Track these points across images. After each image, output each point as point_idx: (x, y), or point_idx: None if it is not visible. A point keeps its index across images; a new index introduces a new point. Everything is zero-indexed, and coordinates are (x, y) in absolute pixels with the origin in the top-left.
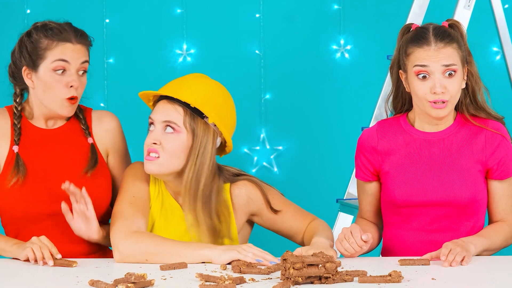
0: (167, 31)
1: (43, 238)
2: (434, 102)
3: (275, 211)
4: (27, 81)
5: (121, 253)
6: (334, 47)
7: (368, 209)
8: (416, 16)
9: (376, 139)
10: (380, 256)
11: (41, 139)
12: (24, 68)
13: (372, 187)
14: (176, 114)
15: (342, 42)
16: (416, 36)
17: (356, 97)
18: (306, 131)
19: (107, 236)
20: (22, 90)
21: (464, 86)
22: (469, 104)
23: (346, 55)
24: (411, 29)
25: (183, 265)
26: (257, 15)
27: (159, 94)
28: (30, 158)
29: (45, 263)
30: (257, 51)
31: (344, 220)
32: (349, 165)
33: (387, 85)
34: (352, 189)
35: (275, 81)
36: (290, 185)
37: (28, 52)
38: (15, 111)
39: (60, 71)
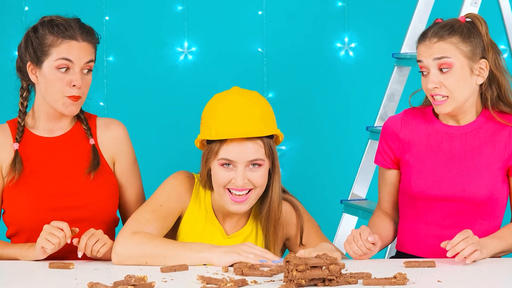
0: (168, 29)
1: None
2: (434, 98)
3: (302, 245)
4: (32, 77)
5: (119, 255)
6: (338, 45)
7: (386, 199)
8: (421, 13)
9: (399, 126)
10: (395, 248)
11: (43, 147)
12: (28, 63)
13: (392, 176)
14: (259, 148)
15: (346, 39)
16: (422, 33)
17: (360, 96)
18: (309, 131)
19: None
20: (28, 85)
21: (480, 81)
22: (497, 100)
23: (351, 53)
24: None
25: (184, 267)
26: (260, 12)
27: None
28: (32, 162)
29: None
30: (259, 49)
31: (348, 221)
32: (353, 165)
33: (392, 84)
34: (356, 189)
35: (278, 80)
36: (293, 185)
37: (33, 48)
38: (21, 107)
39: (64, 69)
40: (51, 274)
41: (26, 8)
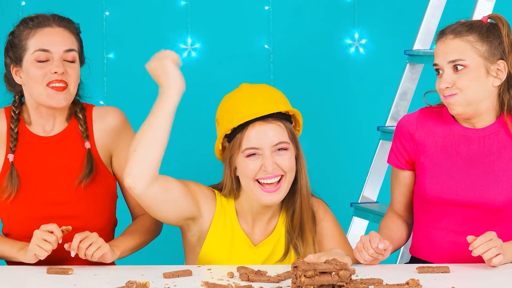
0: (171, 25)
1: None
2: (445, 98)
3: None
4: (17, 79)
5: (131, 175)
6: (348, 41)
7: (399, 200)
8: (435, 8)
9: (415, 126)
10: (409, 253)
11: (37, 148)
12: (12, 66)
13: (405, 177)
14: (282, 130)
15: (356, 36)
16: (441, 30)
17: (371, 95)
18: (318, 131)
19: (126, 250)
20: (20, 98)
21: (496, 83)
22: None
23: (361, 50)
24: None
25: (187, 273)
26: (266, 8)
27: (254, 117)
28: (25, 169)
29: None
30: (266, 46)
31: (358, 225)
32: (364, 166)
33: (405, 82)
34: (367, 192)
35: (285, 78)
36: None
37: (12, 48)
38: (13, 114)
39: (43, 62)
40: (49, 280)
41: (23, 3)
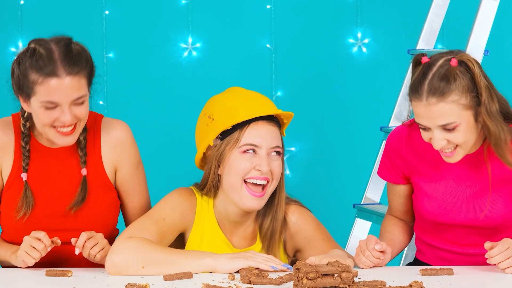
0: (171, 24)
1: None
2: (442, 151)
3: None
4: (24, 106)
5: (113, 262)
6: (351, 40)
7: (399, 208)
8: (439, 7)
9: (404, 147)
10: (414, 256)
11: (45, 159)
12: (18, 93)
13: (403, 190)
14: (278, 135)
15: (359, 35)
16: (413, 86)
17: (374, 95)
18: (320, 131)
19: None
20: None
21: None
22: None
23: (364, 50)
24: (421, 62)
25: (188, 275)
26: (268, 7)
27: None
28: (36, 184)
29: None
30: (267, 45)
31: (361, 227)
32: (366, 167)
33: (408, 82)
34: (370, 193)
35: (287, 78)
36: (303, 189)
37: (19, 83)
38: (23, 129)
39: (51, 110)
40: (48, 282)
41: (22, 2)
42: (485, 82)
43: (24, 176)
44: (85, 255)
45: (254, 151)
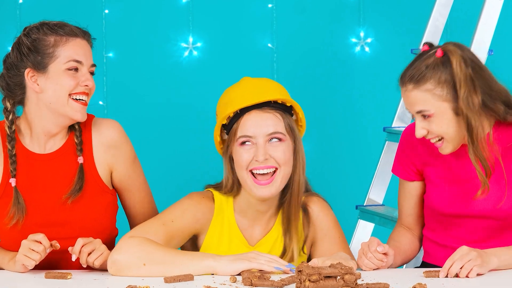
0: (172, 23)
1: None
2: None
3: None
4: (32, 85)
5: (115, 262)
6: (353, 40)
7: (409, 212)
8: (442, 6)
9: (418, 139)
10: (421, 259)
11: (34, 166)
12: (28, 70)
13: (416, 188)
14: (278, 121)
15: (362, 34)
16: (401, 73)
17: (377, 95)
18: (322, 132)
19: None
20: (14, 105)
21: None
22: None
23: (367, 49)
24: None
25: (189, 277)
26: (270, 6)
27: (247, 105)
28: (25, 190)
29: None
30: (269, 45)
31: (364, 228)
32: (369, 168)
33: None
34: (373, 195)
35: (288, 77)
36: None
37: (31, 52)
38: (8, 132)
39: (73, 70)
40: (47, 284)
41: (21, 1)
42: (467, 74)
43: (12, 181)
44: (82, 261)
45: (250, 142)
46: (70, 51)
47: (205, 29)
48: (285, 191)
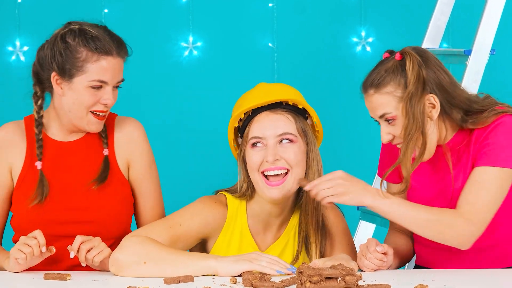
0: (172, 22)
1: (22, 237)
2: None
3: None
4: (56, 88)
5: (115, 257)
6: (355, 39)
7: None
8: (444, 5)
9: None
10: (414, 263)
11: (57, 153)
12: (54, 74)
13: (400, 189)
14: (289, 122)
15: (363, 34)
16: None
17: None
18: (323, 132)
19: None
20: (44, 91)
21: (435, 116)
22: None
23: (368, 49)
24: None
25: (189, 278)
26: (270, 5)
27: (258, 106)
28: (49, 175)
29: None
30: (270, 44)
31: (365, 229)
32: (370, 169)
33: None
34: None
35: (289, 77)
36: None
37: (62, 58)
38: (37, 117)
39: (96, 89)
40: (46, 286)
41: (20, 0)
42: (420, 76)
43: (38, 164)
44: (81, 259)
45: (261, 143)
46: (97, 70)
47: (205, 29)
48: (300, 194)
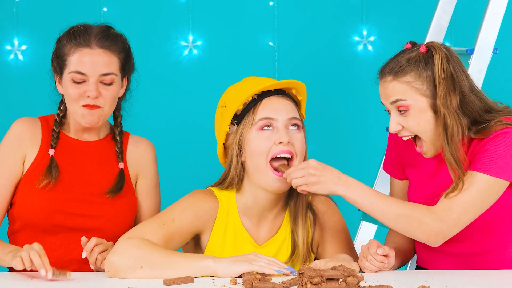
0: (171, 21)
1: (35, 245)
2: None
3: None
4: (58, 88)
5: (111, 263)
6: (356, 38)
7: None
8: (446, 4)
9: (401, 139)
10: (410, 262)
11: (74, 150)
12: (55, 74)
13: (406, 186)
14: (295, 109)
15: (364, 33)
16: (380, 68)
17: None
18: (325, 132)
19: None
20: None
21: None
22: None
23: (370, 48)
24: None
25: (188, 280)
26: (271, 3)
27: (273, 87)
28: (62, 166)
29: (34, 272)
30: (270, 43)
31: (366, 230)
32: (372, 169)
33: None
34: None
35: (290, 76)
36: None
37: (56, 59)
38: (57, 118)
39: (79, 83)
40: (46, 286)
41: None
42: (448, 72)
43: (51, 151)
44: (91, 261)
45: (271, 126)
46: (75, 62)
47: (205, 27)
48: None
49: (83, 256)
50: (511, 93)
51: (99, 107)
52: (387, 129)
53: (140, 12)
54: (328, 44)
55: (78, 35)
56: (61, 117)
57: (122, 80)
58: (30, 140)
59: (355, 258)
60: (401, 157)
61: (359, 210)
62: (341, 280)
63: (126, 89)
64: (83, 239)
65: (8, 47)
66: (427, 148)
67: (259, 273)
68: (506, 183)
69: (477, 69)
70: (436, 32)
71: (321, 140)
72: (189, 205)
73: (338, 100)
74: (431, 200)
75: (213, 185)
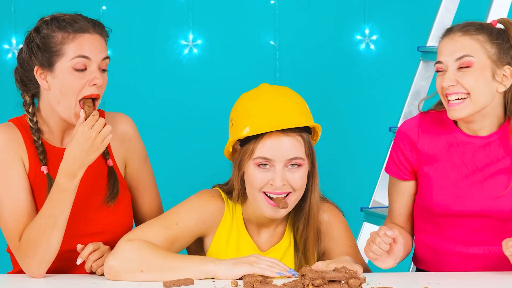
0: (171, 20)
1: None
2: (448, 101)
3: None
4: (41, 82)
5: (110, 265)
6: (358, 37)
7: (400, 212)
8: (449, 2)
9: (417, 135)
10: (412, 264)
11: (58, 159)
12: (36, 68)
13: (409, 187)
14: (299, 145)
15: (367, 31)
16: (447, 28)
17: (383, 94)
18: (326, 132)
19: None
20: (33, 97)
21: (501, 89)
22: None
23: (372, 46)
24: None
25: (189, 282)
26: (272, 2)
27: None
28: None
29: None
30: (271, 42)
31: (369, 231)
32: (374, 169)
33: (418, 80)
34: (378, 196)
35: (291, 76)
36: None
37: (40, 50)
38: (32, 125)
39: (81, 70)
40: (45, 286)
41: None
42: None
43: (44, 169)
44: (87, 267)
45: (268, 165)
46: (76, 47)
47: (205, 26)
48: (299, 211)
49: (78, 262)
50: None
51: (98, 100)
52: (390, 129)
53: (139, 11)
54: (329, 43)
55: (71, 23)
56: (36, 123)
57: None
58: (17, 144)
59: (360, 262)
60: (417, 156)
61: (361, 210)
62: (343, 282)
63: None
64: (79, 246)
65: (6, 46)
66: (463, 107)
67: (260, 275)
68: None
69: None
70: (439, 30)
71: (321, 141)
72: (194, 207)
73: (339, 100)
74: (463, 197)
75: (221, 187)
